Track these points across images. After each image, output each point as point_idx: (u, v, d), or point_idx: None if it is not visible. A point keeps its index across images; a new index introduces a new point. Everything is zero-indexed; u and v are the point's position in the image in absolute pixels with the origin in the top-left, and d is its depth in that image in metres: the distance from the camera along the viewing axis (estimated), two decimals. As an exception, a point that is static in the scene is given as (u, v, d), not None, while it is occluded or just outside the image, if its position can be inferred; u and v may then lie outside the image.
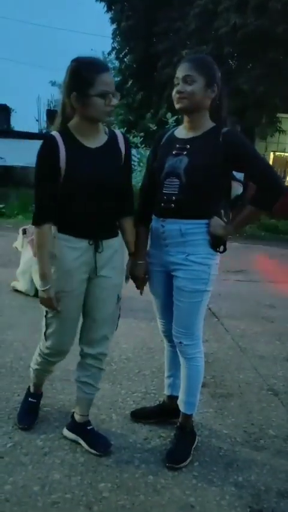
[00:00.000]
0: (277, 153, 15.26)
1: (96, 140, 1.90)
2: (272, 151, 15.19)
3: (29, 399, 2.34)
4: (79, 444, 2.14)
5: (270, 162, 15.06)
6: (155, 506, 1.81)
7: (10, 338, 3.30)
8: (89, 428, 2.17)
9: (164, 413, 2.37)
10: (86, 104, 1.78)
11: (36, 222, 1.88)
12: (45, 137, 1.89)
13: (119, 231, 2.06)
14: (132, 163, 9.71)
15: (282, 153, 15.18)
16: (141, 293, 2.24)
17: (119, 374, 2.89)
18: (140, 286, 2.21)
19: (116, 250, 2.01)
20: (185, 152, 1.97)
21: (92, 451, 2.08)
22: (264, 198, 1.93)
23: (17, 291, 4.40)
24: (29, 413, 2.29)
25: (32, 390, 2.35)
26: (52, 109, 19.31)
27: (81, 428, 2.16)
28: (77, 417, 2.18)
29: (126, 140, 2.00)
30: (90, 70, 1.75)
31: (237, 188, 2.04)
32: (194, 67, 1.92)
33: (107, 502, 1.81)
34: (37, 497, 1.81)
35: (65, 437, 2.17)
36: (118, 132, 2.01)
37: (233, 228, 2.01)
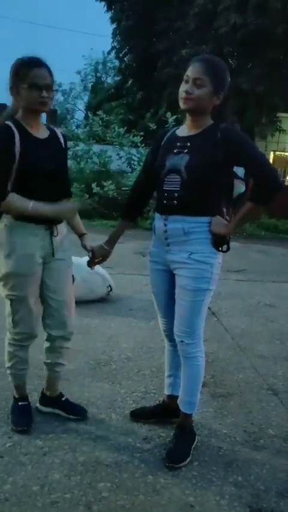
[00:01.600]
0: (277, 152, 15.26)
1: (41, 132, 2.10)
2: (272, 151, 15.18)
3: (19, 403, 2.33)
4: (79, 444, 2.14)
5: (271, 162, 15.08)
6: (155, 506, 1.81)
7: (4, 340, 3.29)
8: (63, 399, 2.38)
9: (163, 412, 2.37)
10: (22, 96, 1.98)
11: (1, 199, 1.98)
12: (0, 126, 2.04)
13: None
14: (132, 162, 9.72)
15: (282, 152, 15.18)
16: (91, 268, 2.36)
17: (118, 374, 2.89)
18: (92, 263, 2.32)
19: (64, 234, 2.18)
20: (185, 150, 1.98)
21: (71, 416, 2.31)
22: (261, 192, 1.92)
23: None
24: (25, 416, 2.29)
25: (17, 395, 2.34)
26: (52, 108, 19.29)
27: (56, 401, 2.37)
28: (49, 393, 2.38)
29: (64, 136, 2.23)
30: (24, 66, 1.97)
31: (239, 187, 2.04)
32: (206, 71, 1.91)
33: (107, 501, 1.81)
34: (36, 497, 1.81)
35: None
36: (57, 129, 2.24)
37: (233, 225, 2.01)
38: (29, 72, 1.94)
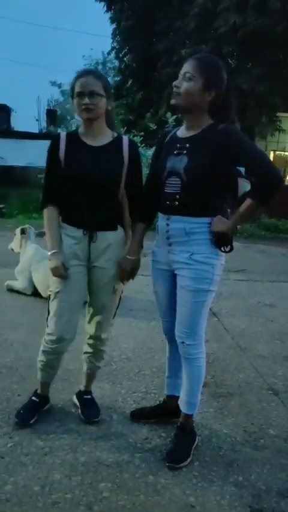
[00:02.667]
0: (277, 152, 15.25)
1: (97, 140, 2.11)
2: (272, 150, 15.17)
3: (32, 397, 2.37)
4: (79, 444, 2.15)
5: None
6: (155, 506, 1.81)
7: (10, 338, 3.30)
8: (85, 397, 2.44)
9: (164, 412, 2.37)
10: (74, 105, 2.07)
11: (41, 207, 2.20)
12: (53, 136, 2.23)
13: (122, 226, 2.19)
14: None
15: (282, 152, 15.16)
16: (122, 281, 2.24)
17: (119, 374, 2.89)
18: (123, 278, 2.22)
19: (111, 243, 2.14)
20: (184, 152, 1.98)
21: (81, 416, 2.35)
22: (262, 190, 1.89)
23: (11, 290, 4.40)
24: (26, 411, 2.31)
25: (38, 390, 2.38)
26: (52, 108, 19.28)
27: (80, 396, 2.45)
28: (80, 386, 2.47)
29: (131, 145, 2.17)
30: (75, 78, 2.06)
31: (244, 186, 2.02)
32: (196, 66, 1.91)
33: (107, 502, 1.81)
34: (37, 497, 1.81)
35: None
36: (126, 138, 2.20)
37: (232, 222, 1.96)
38: (76, 82, 2.03)
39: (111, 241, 2.14)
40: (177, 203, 1.98)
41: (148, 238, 2.21)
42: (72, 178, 2.06)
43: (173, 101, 1.97)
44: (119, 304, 2.31)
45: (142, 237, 2.20)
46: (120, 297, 2.30)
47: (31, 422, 2.26)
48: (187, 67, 1.93)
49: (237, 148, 1.90)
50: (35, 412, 2.31)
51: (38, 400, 2.36)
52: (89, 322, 2.31)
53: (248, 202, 1.92)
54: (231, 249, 2.01)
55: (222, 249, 1.99)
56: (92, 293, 2.24)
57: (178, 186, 1.97)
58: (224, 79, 1.97)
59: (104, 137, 2.13)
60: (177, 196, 1.98)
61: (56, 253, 2.11)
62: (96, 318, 2.27)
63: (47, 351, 2.23)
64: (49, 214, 2.16)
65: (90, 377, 2.45)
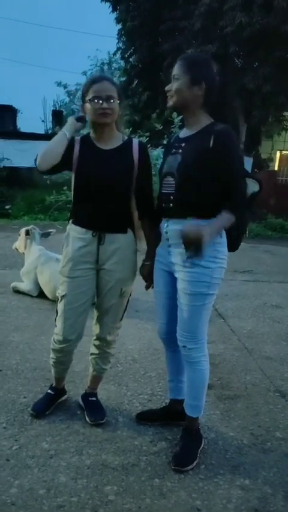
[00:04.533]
0: (284, 152, 15.19)
1: (108, 143, 2.14)
2: (279, 150, 15.12)
3: (48, 390, 2.48)
4: (85, 446, 2.14)
5: (277, 161, 15.02)
6: (161, 509, 1.80)
7: (16, 340, 3.31)
8: (90, 399, 2.44)
9: (170, 415, 2.36)
10: (87, 110, 2.08)
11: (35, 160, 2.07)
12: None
13: (132, 229, 2.20)
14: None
15: (289, 152, 15.11)
16: (146, 289, 2.29)
17: (124, 376, 2.88)
18: (146, 283, 2.28)
19: (120, 246, 2.15)
20: (180, 151, 1.98)
21: (86, 418, 2.34)
22: (235, 206, 1.90)
23: (18, 292, 4.41)
24: (43, 402, 2.41)
25: (54, 384, 2.47)
26: (58, 109, 19.33)
27: (85, 397, 2.46)
28: (86, 388, 2.49)
29: (141, 148, 2.18)
30: (88, 82, 2.09)
31: (252, 186, 2.00)
32: (180, 66, 1.96)
33: (113, 505, 1.81)
34: (43, 500, 1.80)
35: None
36: (136, 141, 2.20)
37: (208, 230, 1.80)
38: (91, 87, 2.05)
39: (120, 243, 2.15)
40: (171, 205, 1.98)
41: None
42: (83, 180, 2.09)
43: (168, 104, 2.01)
44: (126, 307, 2.31)
45: (158, 242, 2.17)
46: (128, 300, 2.30)
47: (46, 413, 2.36)
48: (174, 69, 1.98)
49: (225, 160, 1.86)
50: (50, 404, 2.41)
51: (53, 393, 2.45)
52: (96, 324, 2.32)
53: (222, 215, 1.89)
54: (235, 249, 1.99)
55: (187, 253, 1.86)
56: (99, 295, 2.25)
57: (172, 186, 1.97)
58: (213, 72, 1.97)
59: (114, 140, 2.15)
60: (171, 197, 1.98)
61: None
62: (103, 320, 2.28)
63: (55, 349, 2.29)
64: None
65: (97, 379, 2.45)
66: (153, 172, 2.32)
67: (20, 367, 2.88)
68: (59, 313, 2.21)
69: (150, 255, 2.23)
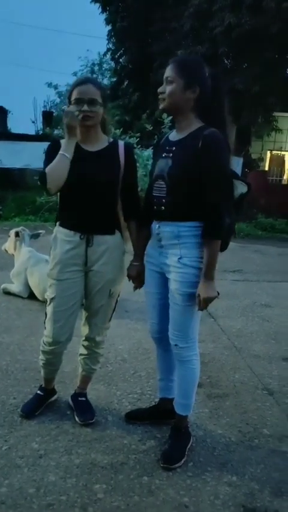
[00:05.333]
0: (274, 152, 15.28)
1: (94, 145, 2.14)
2: (269, 150, 15.20)
3: (37, 391, 2.49)
4: (74, 446, 2.16)
5: (267, 161, 15.11)
6: (150, 506, 1.83)
7: (6, 341, 3.31)
8: (80, 399, 2.45)
9: (159, 414, 2.38)
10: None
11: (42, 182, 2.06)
12: (51, 141, 2.24)
13: (119, 230, 2.22)
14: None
15: (279, 152, 15.19)
16: (134, 289, 2.30)
17: (114, 375, 2.90)
18: (134, 283, 2.29)
19: (109, 247, 2.16)
20: (170, 155, 1.99)
21: (76, 418, 2.35)
22: (210, 224, 1.91)
23: (8, 293, 4.41)
24: (32, 403, 2.42)
25: (43, 385, 2.48)
26: (48, 110, 19.28)
27: (75, 397, 2.47)
28: (75, 388, 2.49)
29: (127, 150, 2.20)
30: (72, 85, 2.11)
31: (241, 187, 2.03)
32: (174, 68, 1.95)
33: (102, 503, 1.83)
34: (32, 499, 1.82)
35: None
36: (122, 143, 2.21)
37: (205, 279, 1.93)
38: (75, 88, 2.06)
39: (108, 244, 2.16)
40: (163, 208, 2.00)
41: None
42: (71, 183, 2.07)
43: (160, 106, 2.01)
44: (115, 307, 2.33)
45: (146, 242, 2.20)
46: (117, 300, 2.32)
47: (36, 414, 2.37)
48: (167, 71, 1.96)
49: (209, 168, 1.87)
50: (40, 405, 2.42)
51: (42, 394, 2.46)
52: (85, 324, 2.34)
53: (205, 244, 1.92)
54: (224, 249, 2.01)
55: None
56: (88, 296, 2.26)
57: (164, 190, 1.98)
58: (206, 76, 1.97)
59: (100, 142, 2.16)
60: (163, 201, 1.99)
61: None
62: (92, 321, 2.30)
63: (45, 351, 2.30)
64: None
65: (86, 379, 2.47)
66: (143, 173, 2.35)
67: (10, 368, 2.89)
68: (48, 316, 2.22)
69: (139, 256, 2.25)
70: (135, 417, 2.40)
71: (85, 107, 2.03)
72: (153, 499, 1.86)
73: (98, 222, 2.14)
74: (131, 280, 2.28)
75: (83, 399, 2.45)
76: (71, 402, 2.47)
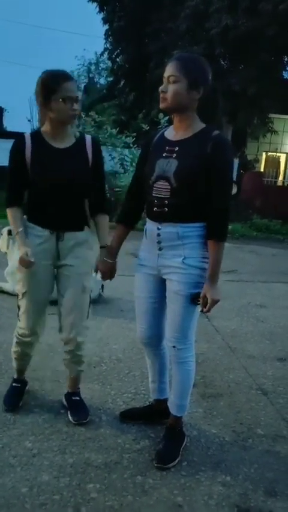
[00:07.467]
0: (269, 153, 15.34)
1: (63, 142, 2.13)
2: (264, 151, 15.26)
3: (13, 384, 2.52)
4: (68, 445, 2.15)
5: (263, 162, 15.17)
6: (143, 506, 1.82)
7: (0, 339, 3.29)
8: (73, 398, 2.43)
9: (153, 413, 2.38)
10: (53, 108, 2.03)
11: (7, 205, 2.18)
12: (16, 137, 2.18)
13: (88, 226, 2.24)
14: (125, 163, 9.71)
15: (274, 153, 15.26)
16: (103, 279, 2.31)
17: (109, 375, 2.89)
18: (103, 278, 2.29)
19: (79, 242, 2.19)
20: (174, 155, 1.92)
21: (70, 417, 2.34)
22: (215, 225, 1.92)
23: (2, 292, 4.38)
24: (13, 397, 2.46)
25: (15, 376, 2.53)
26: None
27: (68, 397, 2.45)
28: (67, 387, 2.48)
29: (95, 145, 2.21)
30: (55, 79, 2.01)
31: (233, 188, 2.03)
32: (179, 67, 1.87)
33: (95, 502, 1.82)
34: (25, 498, 1.81)
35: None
36: (88, 138, 2.21)
37: (214, 278, 1.93)
38: (62, 85, 2.00)
39: (78, 240, 2.18)
40: (166, 209, 1.94)
41: (139, 239, 2.21)
42: (40, 181, 2.08)
43: (161, 106, 1.95)
44: (90, 305, 2.31)
45: (122, 240, 2.23)
46: (91, 296, 2.32)
47: (20, 405, 2.42)
48: (170, 70, 1.89)
49: (219, 173, 1.88)
50: (21, 396, 2.48)
51: (19, 385, 2.52)
52: (62, 328, 2.28)
53: (210, 246, 1.92)
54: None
55: (196, 302, 1.97)
56: (62, 292, 2.25)
57: (167, 191, 1.92)
58: (209, 76, 1.93)
59: (69, 138, 2.16)
60: (166, 202, 1.93)
61: (22, 233, 2.11)
62: (70, 320, 2.25)
63: (21, 342, 2.35)
64: (13, 213, 2.16)
65: (75, 380, 2.46)
66: (131, 169, 2.35)
67: (4, 366, 2.87)
68: (22, 309, 2.26)
69: (114, 254, 2.23)
70: (129, 416, 2.39)
71: (75, 106, 2.03)
72: (147, 499, 1.86)
73: (69, 219, 2.16)
74: (99, 273, 2.27)
75: (77, 398, 2.44)
76: (64, 401, 2.46)
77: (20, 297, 2.25)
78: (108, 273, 2.25)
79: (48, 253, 2.16)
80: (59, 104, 2.01)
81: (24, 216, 2.18)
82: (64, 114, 2.04)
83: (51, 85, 2.01)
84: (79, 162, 2.13)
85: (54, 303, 2.31)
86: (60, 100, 2.00)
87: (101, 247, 2.25)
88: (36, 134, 2.14)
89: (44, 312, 2.30)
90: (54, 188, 2.08)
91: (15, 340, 2.37)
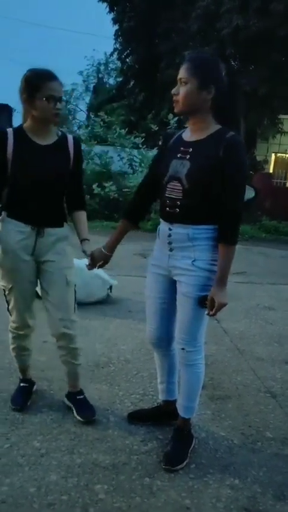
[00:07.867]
0: (278, 154, 15.27)
1: (45, 139, 2.15)
2: (274, 153, 15.20)
3: (20, 384, 2.54)
4: (76, 445, 2.15)
5: (272, 164, 15.10)
6: (151, 508, 1.81)
7: (8, 340, 3.29)
8: (78, 397, 2.43)
9: (161, 415, 2.37)
10: (36, 106, 2.04)
11: None
12: None
13: (67, 222, 2.28)
14: (134, 163, 9.73)
15: (284, 154, 15.18)
16: (89, 268, 2.29)
17: (117, 376, 2.89)
18: (91, 267, 2.28)
19: (59, 238, 2.21)
20: (187, 156, 1.91)
21: (77, 417, 2.34)
22: (227, 228, 1.89)
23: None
24: (21, 396, 2.48)
25: (20, 376, 2.55)
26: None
27: (72, 397, 2.44)
28: (68, 387, 2.47)
29: (76, 144, 2.24)
30: (40, 77, 2.03)
31: (248, 192, 2.01)
32: (188, 69, 1.86)
33: (103, 504, 1.81)
34: (33, 498, 1.81)
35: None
36: (70, 137, 2.25)
37: (222, 281, 1.91)
38: (46, 84, 2.01)
39: (58, 235, 2.21)
40: (178, 210, 1.93)
41: (147, 240, 2.20)
42: (22, 177, 2.09)
43: (175, 110, 1.94)
44: (75, 298, 2.31)
45: (122, 236, 2.23)
46: (75, 291, 2.30)
47: (28, 404, 2.44)
48: (181, 72, 1.88)
49: (228, 168, 1.85)
50: (29, 395, 2.50)
51: (27, 385, 2.54)
52: (51, 323, 2.30)
53: (220, 250, 1.90)
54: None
55: (204, 304, 1.95)
56: (46, 289, 2.26)
57: (179, 192, 1.91)
58: (222, 74, 1.91)
59: (51, 135, 2.17)
60: (178, 203, 1.92)
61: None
62: (58, 316, 2.26)
63: (16, 336, 2.38)
64: None
65: (74, 376, 2.45)
66: (140, 170, 2.35)
67: (13, 366, 2.86)
68: (11, 304, 2.29)
69: (111, 245, 2.22)
70: (137, 417, 2.39)
71: (58, 106, 2.05)
72: (155, 501, 1.85)
73: (49, 215, 2.18)
74: (91, 262, 2.26)
75: (81, 397, 2.44)
76: (67, 402, 2.45)
77: (6, 292, 2.28)
78: (100, 263, 2.25)
79: (28, 249, 2.18)
80: (43, 103, 2.02)
81: (4, 211, 2.19)
82: (47, 113, 2.05)
83: (36, 83, 2.02)
84: (61, 159, 2.16)
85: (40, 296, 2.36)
86: (44, 98, 2.01)
87: (83, 239, 2.30)
88: (18, 130, 2.14)
89: (31, 304, 2.33)
90: (35, 184, 2.10)
91: (11, 336, 2.39)
